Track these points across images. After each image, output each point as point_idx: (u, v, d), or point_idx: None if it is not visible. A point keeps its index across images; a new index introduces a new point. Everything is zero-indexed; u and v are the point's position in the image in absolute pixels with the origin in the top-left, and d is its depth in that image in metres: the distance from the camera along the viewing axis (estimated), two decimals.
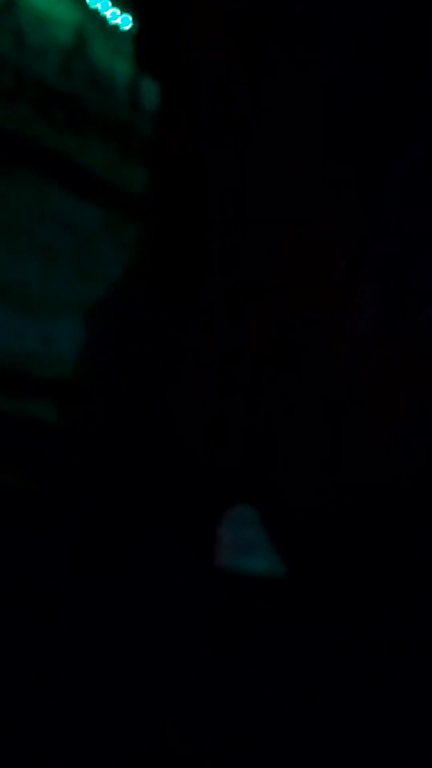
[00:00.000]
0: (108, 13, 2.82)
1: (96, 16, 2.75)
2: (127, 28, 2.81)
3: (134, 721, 0.98)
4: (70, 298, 2.48)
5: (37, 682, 1.01)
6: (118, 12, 2.81)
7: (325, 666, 0.94)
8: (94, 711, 0.99)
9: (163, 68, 1.45)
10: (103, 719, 0.99)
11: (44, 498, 1.15)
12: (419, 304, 1.10)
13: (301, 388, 1.18)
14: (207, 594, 1.03)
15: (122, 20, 2.81)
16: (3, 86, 2.51)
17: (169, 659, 0.99)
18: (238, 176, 1.21)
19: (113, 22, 2.79)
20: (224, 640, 0.98)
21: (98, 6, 2.76)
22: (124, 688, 0.99)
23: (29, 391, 2.25)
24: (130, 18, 2.84)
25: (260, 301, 1.23)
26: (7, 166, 2.50)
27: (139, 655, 0.99)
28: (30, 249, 2.47)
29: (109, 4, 2.87)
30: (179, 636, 1.00)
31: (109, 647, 1.01)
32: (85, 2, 2.73)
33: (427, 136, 1.33)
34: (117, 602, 1.04)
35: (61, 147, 2.59)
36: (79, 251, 2.54)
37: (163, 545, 1.14)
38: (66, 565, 1.09)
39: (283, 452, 1.22)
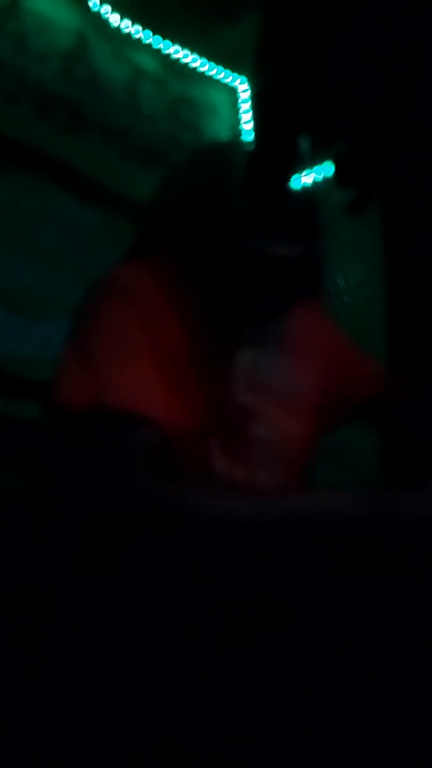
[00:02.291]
0: (108, 17, 2.84)
1: (96, 20, 2.76)
2: (126, 31, 2.83)
3: (134, 721, 0.97)
4: (72, 301, 2.49)
5: (37, 682, 1.01)
6: (118, 16, 2.83)
7: (325, 666, 0.94)
8: (94, 711, 0.99)
9: None
10: (103, 719, 0.98)
11: (44, 498, 1.15)
12: None
13: None
14: (206, 588, 1.03)
15: (122, 24, 2.83)
16: (4, 90, 2.52)
17: (169, 659, 0.99)
18: None
19: (113, 26, 2.81)
20: (224, 640, 0.99)
21: (99, 10, 2.78)
22: (124, 688, 0.99)
23: (30, 394, 2.25)
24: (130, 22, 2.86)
25: None
26: (8, 170, 2.52)
27: (139, 655, 0.99)
28: (31, 253, 2.48)
29: (110, 8, 2.89)
30: (179, 636, 1.00)
31: (109, 647, 1.01)
32: (86, 6, 2.74)
33: (427, 135, 1.33)
34: (117, 602, 1.04)
35: (62, 151, 2.60)
36: (81, 255, 2.55)
37: (163, 545, 1.14)
38: (66, 565, 1.09)
39: None
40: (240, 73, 3.04)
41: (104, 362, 1.03)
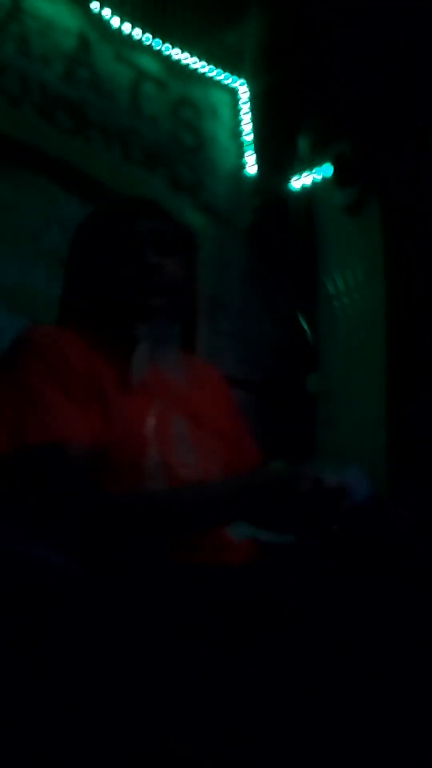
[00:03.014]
0: (110, 20, 2.84)
1: (98, 23, 2.77)
2: (128, 34, 2.83)
3: (134, 720, 0.98)
4: None
5: (37, 682, 1.02)
6: (120, 18, 2.83)
7: (325, 666, 0.94)
8: (94, 711, 0.99)
9: None
10: (103, 719, 0.99)
11: (44, 498, 1.15)
12: None
13: None
14: (208, 594, 1.03)
15: (124, 26, 2.83)
16: (7, 92, 2.53)
17: (169, 659, 0.99)
18: None
19: (115, 28, 2.81)
20: (224, 640, 0.99)
21: (101, 13, 2.78)
22: (124, 688, 0.99)
23: None
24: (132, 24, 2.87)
25: None
26: (10, 171, 2.52)
27: (139, 656, 0.99)
28: (35, 253, 2.49)
29: (111, 10, 2.89)
30: (179, 636, 1.00)
31: (109, 647, 1.01)
32: (88, 8, 2.75)
33: (427, 135, 1.33)
34: (117, 602, 1.04)
35: (64, 152, 2.61)
36: None
37: (162, 545, 1.14)
38: (67, 565, 1.09)
39: None
40: (240, 74, 3.04)
41: (21, 409, 1.15)
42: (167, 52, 2.90)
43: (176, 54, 2.92)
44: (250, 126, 3.02)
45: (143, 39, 2.84)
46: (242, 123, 3.03)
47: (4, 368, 1.21)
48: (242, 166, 2.99)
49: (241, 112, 3.04)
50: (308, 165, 2.87)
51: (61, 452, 1.12)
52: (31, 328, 1.29)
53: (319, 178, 2.88)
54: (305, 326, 2.85)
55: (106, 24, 2.77)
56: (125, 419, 1.19)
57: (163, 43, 2.88)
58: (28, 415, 1.14)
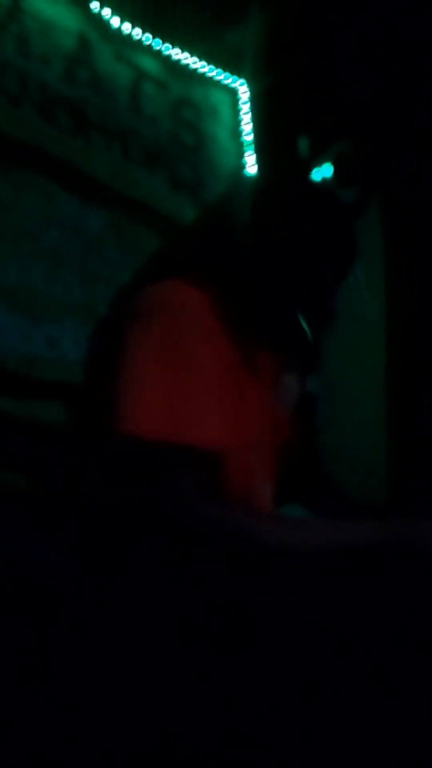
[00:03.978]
0: (110, 20, 2.84)
1: (98, 23, 2.77)
2: (128, 34, 2.84)
3: (134, 720, 0.98)
4: (75, 301, 2.50)
5: (37, 682, 1.02)
6: (119, 18, 2.84)
7: (325, 666, 0.94)
8: (94, 711, 0.99)
9: None
10: (103, 719, 0.99)
11: (44, 498, 1.15)
12: None
13: None
14: (206, 593, 1.03)
15: (124, 26, 2.84)
16: (7, 92, 2.53)
17: (168, 659, 0.99)
18: None
19: (115, 28, 2.81)
20: (224, 640, 0.99)
21: (101, 13, 2.78)
22: (124, 688, 0.99)
23: (34, 393, 2.26)
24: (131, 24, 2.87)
25: None
26: (12, 172, 2.52)
27: (139, 655, 1.00)
28: (35, 253, 2.49)
29: (111, 10, 2.90)
30: (179, 636, 1.00)
31: (109, 647, 1.01)
32: (88, 8, 2.75)
33: (427, 135, 1.33)
34: (117, 602, 1.04)
35: (65, 152, 2.61)
36: (84, 255, 2.56)
37: (163, 545, 1.14)
38: (66, 565, 1.09)
39: None
40: (240, 74, 3.05)
41: (178, 408, 1.02)
42: (167, 52, 2.90)
43: (176, 54, 2.92)
44: (250, 126, 3.02)
45: (143, 39, 2.85)
46: (242, 123, 3.03)
47: (167, 338, 1.04)
48: (242, 166, 2.99)
49: (241, 112, 3.04)
50: (308, 165, 2.87)
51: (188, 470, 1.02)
52: (171, 283, 1.10)
53: (319, 178, 2.88)
54: (305, 326, 2.85)
55: (106, 24, 2.77)
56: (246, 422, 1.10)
57: (163, 43, 2.88)
58: (183, 419, 1.01)
